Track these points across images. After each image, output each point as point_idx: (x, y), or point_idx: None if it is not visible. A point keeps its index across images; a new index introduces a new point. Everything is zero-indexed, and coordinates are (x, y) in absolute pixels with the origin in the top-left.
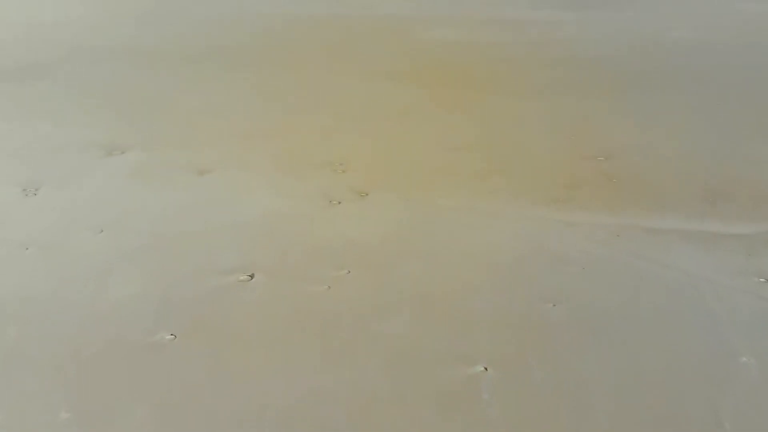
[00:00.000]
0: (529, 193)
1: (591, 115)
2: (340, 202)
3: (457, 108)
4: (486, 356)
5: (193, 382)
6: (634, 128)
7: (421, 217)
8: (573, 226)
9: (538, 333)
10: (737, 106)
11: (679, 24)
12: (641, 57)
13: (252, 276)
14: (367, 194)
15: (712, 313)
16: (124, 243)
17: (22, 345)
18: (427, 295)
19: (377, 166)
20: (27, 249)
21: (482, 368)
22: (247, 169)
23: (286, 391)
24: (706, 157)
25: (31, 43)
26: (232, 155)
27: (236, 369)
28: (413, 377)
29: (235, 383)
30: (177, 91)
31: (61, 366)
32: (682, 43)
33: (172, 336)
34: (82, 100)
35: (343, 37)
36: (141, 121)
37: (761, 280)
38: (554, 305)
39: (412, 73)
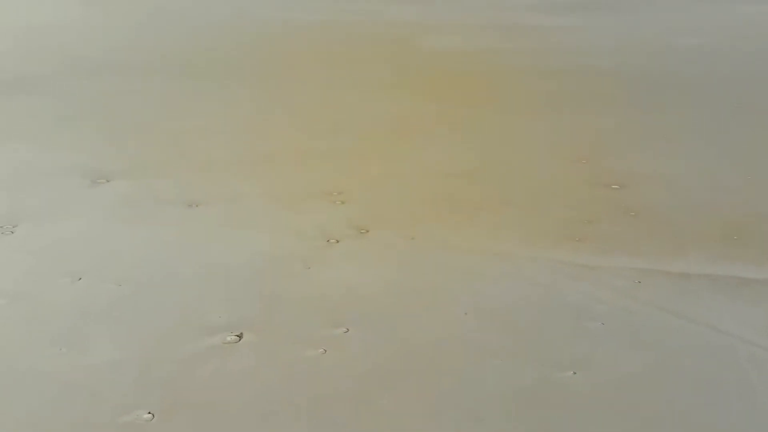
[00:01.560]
0: (542, 231)
1: (601, 135)
2: (338, 241)
3: (461, 125)
4: None
5: None
6: (647, 151)
7: (426, 261)
8: (592, 271)
9: (558, 408)
10: (755, 124)
11: (687, 29)
12: (650, 67)
13: (240, 336)
14: (367, 231)
15: (748, 380)
16: (103, 293)
17: None
18: (435, 362)
19: (378, 196)
20: None
21: None
22: (239, 200)
23: None
24: (726, 185)
25: (23, 52)
26: (223, 184)
27: None
28: None
29: None
30: (170, 108)
31: None
32: (691, 50)
33: (150, 415)
34: (70, 118)
35: (343, 46)
36: (130, 143)
37: None
38: (574, 373)
39: (414, 86)
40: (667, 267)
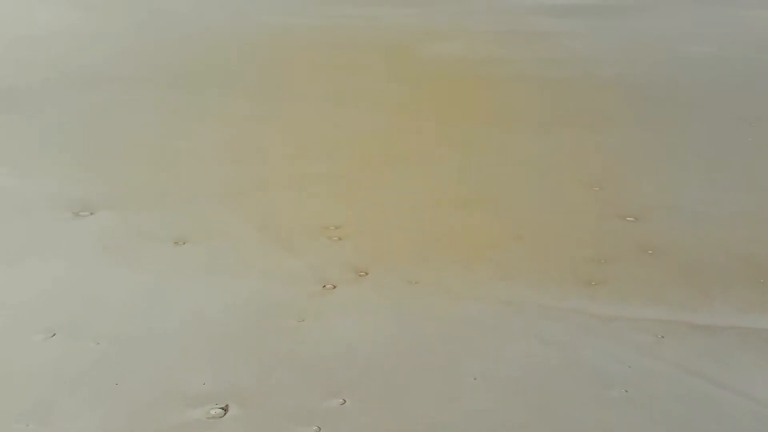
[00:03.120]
0: (554, 272)
1: (610, 155)
2: (335, 286)
3: (463, 145)
4: None
5: None
6: (659, 175)
7: (430, 312)
8: (610, 324)
9: None
10: None
11: (690, 35)
12: (656, 78)
13: (225, 409)
14: (366, 273)
15: None
16: (78, 354)
17: None
18: None
19: (377, 230)
20: None
21: None
22: (229, 237)
23: None
24: (745, 215)
25: (11, 63)
26: (213, 216)
27: None
28: None
29: None
30: (161, 125)
31: None
32: (696, 59)
33: None
34: (55, 139)
35: (340, 55)
36: (117, 167)
37: None
38: None
39: (415, 100)
40: (692, 318)
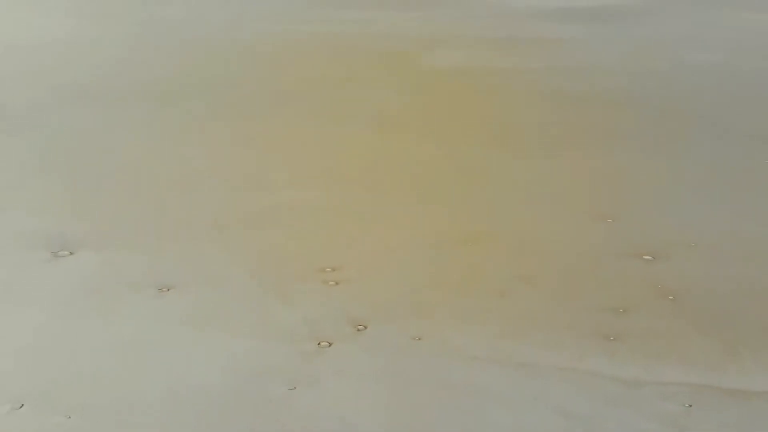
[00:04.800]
0: (569, 325)
1: (620, 181)
2: (330, 344)
3: (467, 172)
4: None
5: None
6: (674, 205)
7: (435, 376)
8: (633, 391)
9: None
10: None
11: (700, 41)
12: (663, 91)
13: None
14: (365, 327)
15: None
16: (47, 430)
17: None
18: None
19: (377, 273)
20: None
21: None
22: (218, 282)
23: None
24: None
25: None
26: (202, 257)
27: None
28: None
29: None
30: (150, 150)
31: None
32: (704, 69)
33: None
34: (33, 166)
35: (337, 65)
36: (99, 200)
37: None
38: None
39: (415, 118)
40: (721, 381)
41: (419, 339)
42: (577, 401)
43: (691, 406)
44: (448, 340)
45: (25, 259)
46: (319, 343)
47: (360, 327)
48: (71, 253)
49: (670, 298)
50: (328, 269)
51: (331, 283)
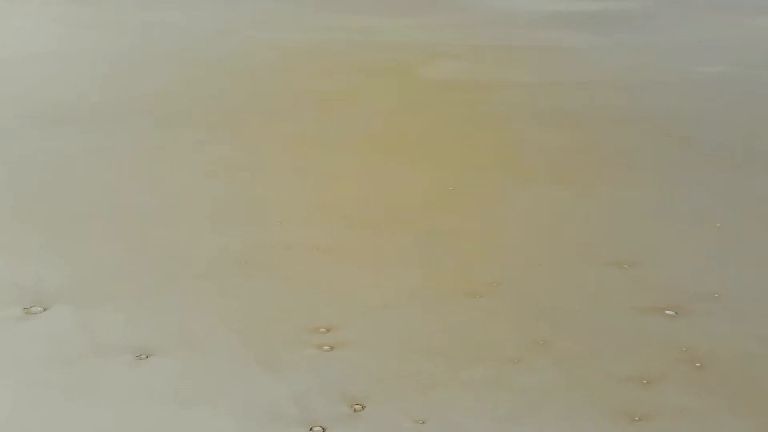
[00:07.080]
0: (591, 403)
1: (633, 219)
2: (324, 429)
3: (470, 207)
4: None
5: None
6: (697, 248)
7: None
8: None
9: None
10: None
11: (704, 50)
12: (673, 107)
13: None
14: (362, 407)
15: None
16: None
17: None
18: None
19: (375, 336)
20: None
21: None
22: (200, 349)
23: None
24: None
25: None
26: (183, 316)
27: None
28: None
29: None
30: (128, 182)
31: None
32: (711, 83)
33: None
34: (3, 204)
35: (333, 82)
36: (76, 244)
37: None
38: None
39: (414, 141)
40: None
41: (423, 422)
42: None
43: None
44: (456, 424)
45: None
46: (311, 429)
47: (357, 407)
48: (44, 309)
49: (697, 365)
50: (322, 329)
51: (324, 348)
